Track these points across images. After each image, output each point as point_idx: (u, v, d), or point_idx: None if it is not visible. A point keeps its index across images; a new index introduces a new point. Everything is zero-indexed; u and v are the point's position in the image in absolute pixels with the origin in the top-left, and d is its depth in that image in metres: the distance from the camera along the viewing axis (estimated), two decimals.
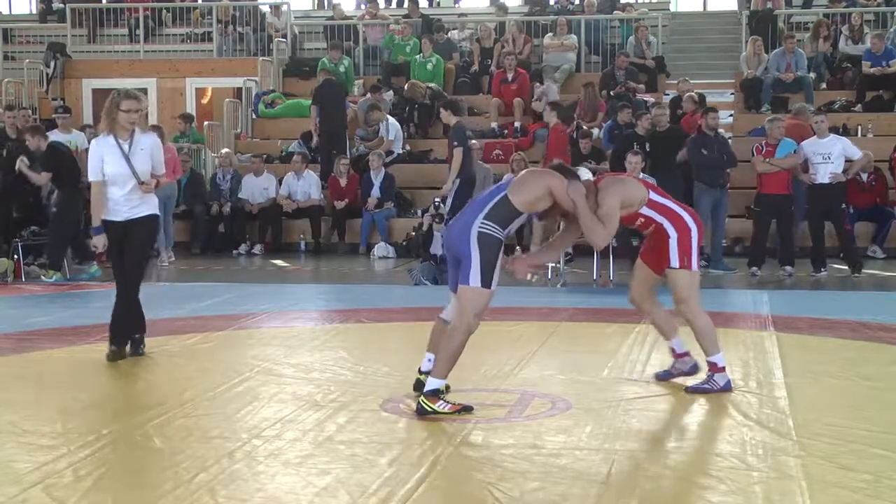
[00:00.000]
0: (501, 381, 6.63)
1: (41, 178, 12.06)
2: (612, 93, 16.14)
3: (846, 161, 12.30)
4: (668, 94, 16.54)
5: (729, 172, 12.82)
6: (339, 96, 15.96)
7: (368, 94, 16.69)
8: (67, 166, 12.07)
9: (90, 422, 5.71)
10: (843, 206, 12.36)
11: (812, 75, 16.51)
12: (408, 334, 8.13)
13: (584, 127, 14.94)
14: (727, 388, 6.26)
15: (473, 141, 13.26)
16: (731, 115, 16.48)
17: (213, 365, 7.16)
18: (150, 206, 7.26)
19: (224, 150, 15.90)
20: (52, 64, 19.03)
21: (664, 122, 13.06)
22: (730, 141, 15.16)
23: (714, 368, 6.28)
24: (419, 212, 13.53)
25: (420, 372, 6.10)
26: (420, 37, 17.98)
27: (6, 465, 4.91)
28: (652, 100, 15.70)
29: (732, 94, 17.20)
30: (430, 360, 6.03)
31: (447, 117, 12.51)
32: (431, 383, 5.74)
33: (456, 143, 12.49)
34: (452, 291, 5.97)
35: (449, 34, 18.57)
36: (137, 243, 7.24)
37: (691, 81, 16.24)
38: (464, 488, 4.61)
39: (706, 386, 6.27)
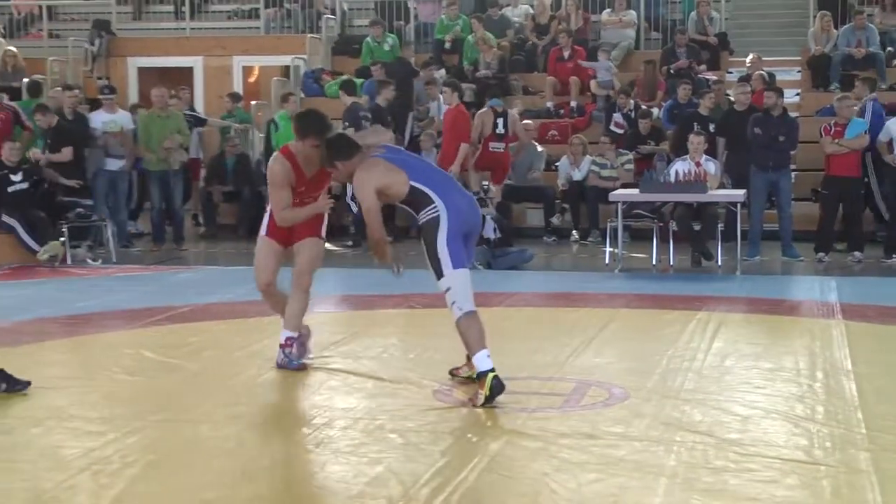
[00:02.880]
0: (557, 370, 6.63)
1: (62, 156, 12.68)
2: (672, 70, 16.00)
3: None
4: (731, 72, 16.35)
5: (792, 154, 12.64)
6: (409, 76, 15.99)
7: (421, 73, 16.68)
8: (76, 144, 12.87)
9: (138, 407, 5.78)
10: None
11: (885, 52, 16.23)
12: None
13: (644, 106, 14.84)
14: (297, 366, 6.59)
15: (367, 123, 13.24)
16: (797, 94, 16.25)
17: (262, 351, 7.22)
18: None
19: None
20: (97, 42, 19.18)
21: (745, 102, 12.90)
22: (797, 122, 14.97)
23: (287, 343, 6.62)
24: None
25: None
26: (469, 15, 17.88)
27: (53, 450, 5.00)
28: (714, 78, 15.53)
29: (799, 71, 16.95)
30: (487, 355, 5.87)
31: (343, 97, 12.87)
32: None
33: (346, 125, 12.59)
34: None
35: (503, 11, 18.48)
36: None
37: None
38: (519, 479, 4.62)
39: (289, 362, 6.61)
